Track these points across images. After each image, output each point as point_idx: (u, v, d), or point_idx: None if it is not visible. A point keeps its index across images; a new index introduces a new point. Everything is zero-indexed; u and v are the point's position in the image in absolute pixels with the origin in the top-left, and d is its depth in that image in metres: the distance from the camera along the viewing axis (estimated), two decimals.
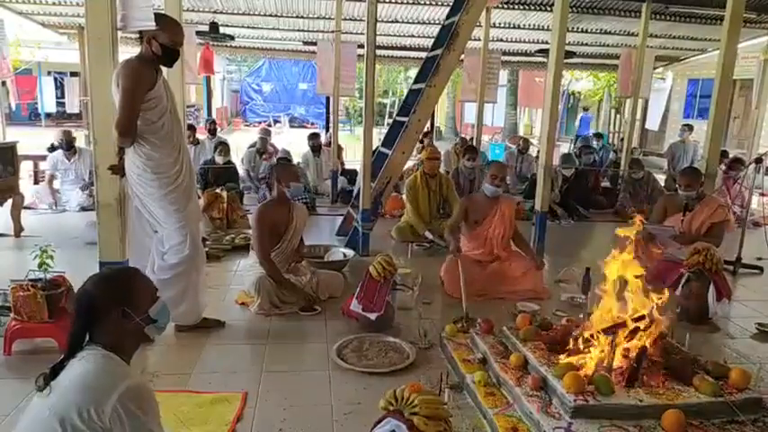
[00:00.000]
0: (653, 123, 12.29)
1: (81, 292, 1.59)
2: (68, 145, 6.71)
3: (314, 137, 8.53)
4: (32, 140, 9.33)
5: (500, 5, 7.65)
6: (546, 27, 8.76)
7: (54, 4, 8.20)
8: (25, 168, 7.25)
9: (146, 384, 1.53)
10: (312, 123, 24.40)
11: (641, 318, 2.48)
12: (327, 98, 12.25)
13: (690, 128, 9.31)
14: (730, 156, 7.75)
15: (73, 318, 1.57)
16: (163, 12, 3.47)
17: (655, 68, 10.17)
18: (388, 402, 1.94)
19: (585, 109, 20.73)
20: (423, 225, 5.41)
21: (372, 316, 3.31)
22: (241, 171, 7.93)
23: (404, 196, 5.75)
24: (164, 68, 3.06)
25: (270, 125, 20.93)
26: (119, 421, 1.40)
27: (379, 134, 9.90)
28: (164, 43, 2.90)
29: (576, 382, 2.28)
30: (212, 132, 8.96)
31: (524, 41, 10.36)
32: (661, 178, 8.28)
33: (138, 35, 2.97)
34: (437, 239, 5.31)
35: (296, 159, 8.40)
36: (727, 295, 3.69)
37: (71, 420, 1.39)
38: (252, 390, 2.67)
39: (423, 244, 5.37)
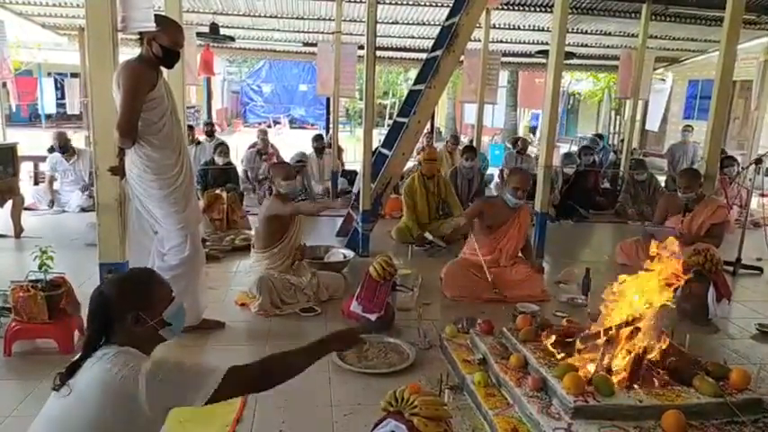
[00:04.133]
0: (653, 124, 12.28)
1: (96, 294, 1.59)
2: (63, 148, 6.69)
3: (318, 138, 8.53)
4: (32, 141, 9.35)
5: (500, 6, 7.66)
6: (546, 28, 8.77)
7: (54, 5, 8.21)
8: (25, 169, 7.26)
9: (162, 357, 1.55)
10: (312, 124, 24.42)
11: (640, 318, 2.48)
12: (327, 99, 12.27)
13: (690, 128, 9.29)
14: (722, 155, 7.72)
15: (88, 319, 1.58)
16: (163, 13, 3.48)
17: (655, 69, 10.16)
18: (387, 403, 1.94)
19: None
20: (418, 228, 5.41)
21: (372, 317, 3.31)
22: (241, 171, 7.94)
23: (402, 197, 5.75)
24: (164, 69, 3.06)
25: (270, 126, 20.95)
26: (163, 396, 1.46)
27: (379, 135, 9.90)
28: (164, 45, 2.90)
29: (576, 383, 2.28)
30: (209, 134, 8.93)
31: (524, 42, 10.36)
32: (661, 179, 8.28)
33: (138, 36, 2.96)
34: (437, 240, 5.30)
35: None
36: (726, 296, 3.69)
37: (104, 419, 1.40)
38: None
39: (423, 245, 5.36)
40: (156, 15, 2.86)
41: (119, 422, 1.41)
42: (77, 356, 1.54)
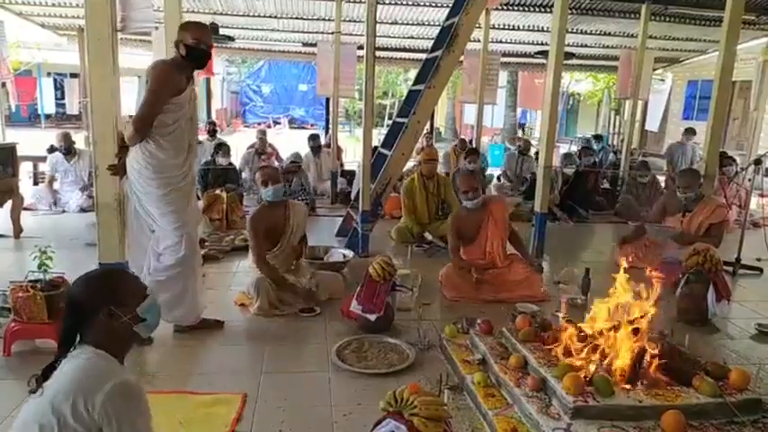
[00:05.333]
0: (653, 124, 12.30)
1: (68, 293, 1.61)
2: (68, 149, 6.73)
3: (314, 138, 8.54)
4: (32, 142, 9.34)
5: (500, 7, 7.66)
6: (545, 28, 8.77)
7: (54, 5, 8.21)
8: (25, 169, 7.26)
9: (135, 383, 1.52)
10: (312, 124, 24.43)
11: (641, 318, 2.48)
12: (327, 99, 12.27)
13: (692, 132, 9.23)
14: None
15: (62, 319, 1.59)
16: (163, 13, 3.48)
17: (654, 70, 10.17)
18: (387, 403, 1.94)
19: None
20: (417, 227, 5.40)
21: (372, 317, 3.30)
22: (245, 172, 7.95)
23: (401, 197, 5.75)
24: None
25: (269, 126, 20.96)
26: (106, 418, 1.41)
27: (378, 135, 9.90)
28: (188, 44, 2.93)
29: (576, 383, 2.28)
30: (212, 133, 8.96)
31: (524, 43, 10.37)
32: (660, 179, 8.29)
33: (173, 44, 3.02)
34: (437, 240, 5.30)
35: None
36: (726, 296, 3.69)
37: (63, 416, 1.40)
38: (251, 391, 2.66)
39: (422, 245, 5.36)
40: (185, 22, 2.92)
41: (78, 426, 1.40)
42: (53, 359, 1.54)
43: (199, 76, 9.69)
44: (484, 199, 4.22)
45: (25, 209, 5.73)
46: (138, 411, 1.47)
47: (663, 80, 13.38)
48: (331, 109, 8.79)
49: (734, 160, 7.19)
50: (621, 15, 8.15)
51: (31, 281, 2.99)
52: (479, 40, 8.00)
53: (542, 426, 2.22)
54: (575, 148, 12.16)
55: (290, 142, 12.69)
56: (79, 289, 1.59)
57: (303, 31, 9.97)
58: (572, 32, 9.00)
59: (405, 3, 7.87)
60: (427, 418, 1.84)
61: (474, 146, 8.01)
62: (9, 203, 5.28)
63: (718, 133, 5.03)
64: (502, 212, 4.20)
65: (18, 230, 5.36)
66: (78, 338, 1.56)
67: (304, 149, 8.63)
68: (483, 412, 2.45)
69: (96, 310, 1.54)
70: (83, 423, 1.40)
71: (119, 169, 2.97)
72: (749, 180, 6.23)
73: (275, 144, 9.90)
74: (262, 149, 8.39)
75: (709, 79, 9.59)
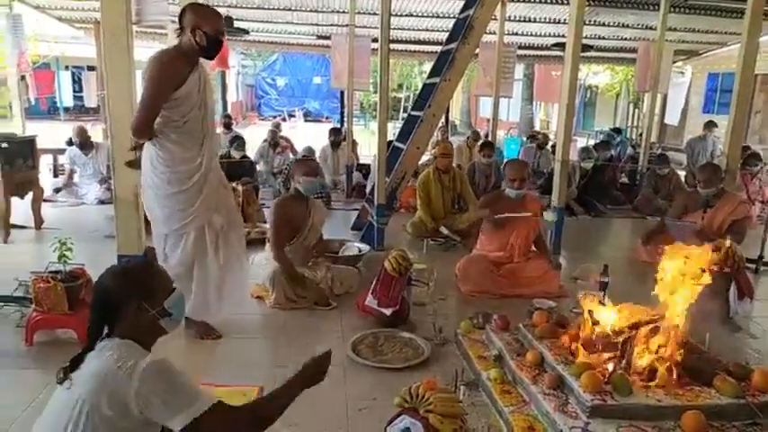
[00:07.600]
0: (672, 118, 12.08)
1: (97, 285, 1.61)
2: (83, 144, 6.81)
3: (335, 132, 8.49)
4: (51, 134, 9.46)
5: None
6: (562, 20, 8.65)
7: None
8: (44, 162, 7.36)
9: (162, 360, 1.51)
10: (327, 117, 24.43)
11: (661, 317, 2.44)
12: (342, 92, 12.27)
13: (713, 124, 9.05)
14: (748, 151, 7.57)
15: (90, 311, 1.59)
16: (172, 6, 3.47)
17: (674, 62, 9.98)
18: (402, 399, 1.94)
19: None
20: (431, 221, 5.37)
21: (387, 311, 3.30)
22: (260, 165, 7.96)
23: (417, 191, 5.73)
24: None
25: (284, 119, 21.00)
26: (148, 401, 1.42)
27: (393, 129, 9.86)
28: (208, 33, 2.77)
29: (594, 382, 2.25)
30: (227, 126, 9.00)
31: (540, 35, 10.23)
32: (681, 174, 8.15)
33: (179, 26, 2.84)
34: (452, 235, 5.28)
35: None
36: (749, 294, 3.61)
37: (99, 410, 1.41)
38: (267, 384, 2.66)
39: (437, 239, 5.34)
40: (196, 4, 2.80)
41: (114, 415, 1.42)
42: (81, 349, 1.55)
43: (213, 69, 9.73)
44: (525, 194, 4.19)
45: (45, 200, 5.81)
46: (173, 383, 1.47)
47: (682, 73, 13.12)
48: (345, 102, 8.78)
49: (760, 159, 7.04)
50: (640, 7, 7.99)
51: (51, 272, 3.03)
52: (495, 33, 7.90)
53: (559, 424, 2.20)
54: (592, 142, 12.01)
55: (304, 136, 12.70)
56: (108, 281, 1.59)
57: (317, 24, 9.94)
58: (589, 24, 8.85)
59: None
60: (443, 414, 1.83)
61: (489, 139, 7.94)
62: (30, 195, 5.37)
63: (740, 127, 4.92)
64: (537, 211, 4.19)
65: (39, 222, 5.44)
66: (106, 330, 1.57)
67: (320, 142, 8.61)
68: (499, 409, 2.44)
69: (125, 302, 1.55)
70: (120, 413, 1.41)
71: (136, 163, 2.94)
72: None
73: (290, 137, 9.91)
74: (273, 141, 8.39)
75: (730, 72, 9.38)
